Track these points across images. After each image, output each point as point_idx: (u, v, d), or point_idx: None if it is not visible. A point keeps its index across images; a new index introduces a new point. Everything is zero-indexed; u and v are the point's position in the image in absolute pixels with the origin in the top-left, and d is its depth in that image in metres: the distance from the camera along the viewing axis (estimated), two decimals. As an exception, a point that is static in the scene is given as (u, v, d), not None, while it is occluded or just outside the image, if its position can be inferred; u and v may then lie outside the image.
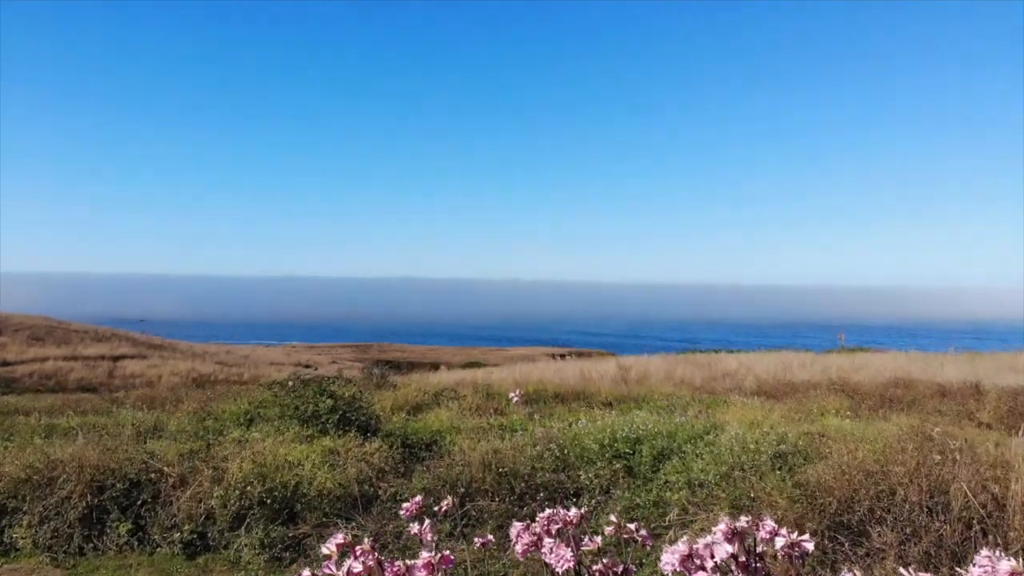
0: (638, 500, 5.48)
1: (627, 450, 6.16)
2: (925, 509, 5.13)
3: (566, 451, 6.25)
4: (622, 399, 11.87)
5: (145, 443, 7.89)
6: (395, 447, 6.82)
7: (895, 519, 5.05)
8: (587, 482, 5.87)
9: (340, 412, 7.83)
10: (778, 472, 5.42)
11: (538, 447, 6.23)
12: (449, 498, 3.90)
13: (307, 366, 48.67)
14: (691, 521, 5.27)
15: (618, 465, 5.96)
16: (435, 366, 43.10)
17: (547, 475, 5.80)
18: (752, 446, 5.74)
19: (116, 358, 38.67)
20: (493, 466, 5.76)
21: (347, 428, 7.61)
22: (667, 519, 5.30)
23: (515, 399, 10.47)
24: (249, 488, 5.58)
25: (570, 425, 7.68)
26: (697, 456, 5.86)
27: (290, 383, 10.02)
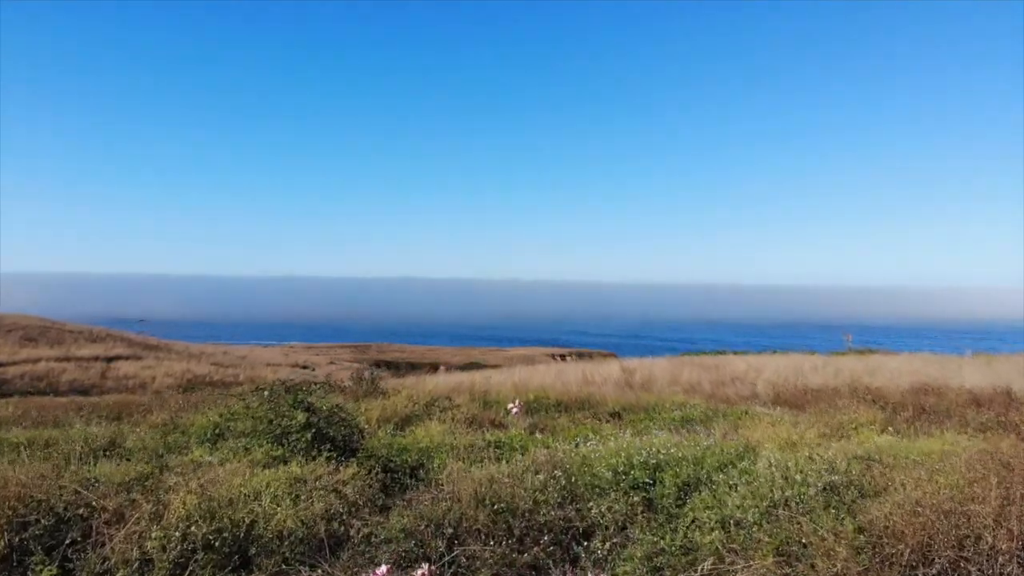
0: (662, 543, 4.52)
1: (646, 479, 5.20)
2: (1016, 560, 4.19)
3: (574, 479, 5.30)
4: (630, 408, 10.93)
5: (95, 464, 6.96)
6: (374, 472, 5.87)
7: (982, 573, 4.11)
8: (599, 518, 4.92)
9: (315, 428, 6.88)
10: (832, 511, 4.47)
11: (540, 475, 5.28)
12: (425, 566, 2.95)
13: (304, 367, 47.77)
14: (728, 572, 4.32)
15: (636, 498, 5.01)
16: (434, 367, 42.21)
17: (552, 511, 4.84)
18: (798, 477, 4.78)
19: (110, 359, 37.78)
20: (487, 500, 4.80)
21: (322, 447, 6.66)
22: (698, 569, 4.34)
23: (514, 411, 9.53)
24: (194, 528, 4.63)
25: (576, 445, 6.72)
26: (731, 488, 4.91)
27: (266, 392, 9.08)
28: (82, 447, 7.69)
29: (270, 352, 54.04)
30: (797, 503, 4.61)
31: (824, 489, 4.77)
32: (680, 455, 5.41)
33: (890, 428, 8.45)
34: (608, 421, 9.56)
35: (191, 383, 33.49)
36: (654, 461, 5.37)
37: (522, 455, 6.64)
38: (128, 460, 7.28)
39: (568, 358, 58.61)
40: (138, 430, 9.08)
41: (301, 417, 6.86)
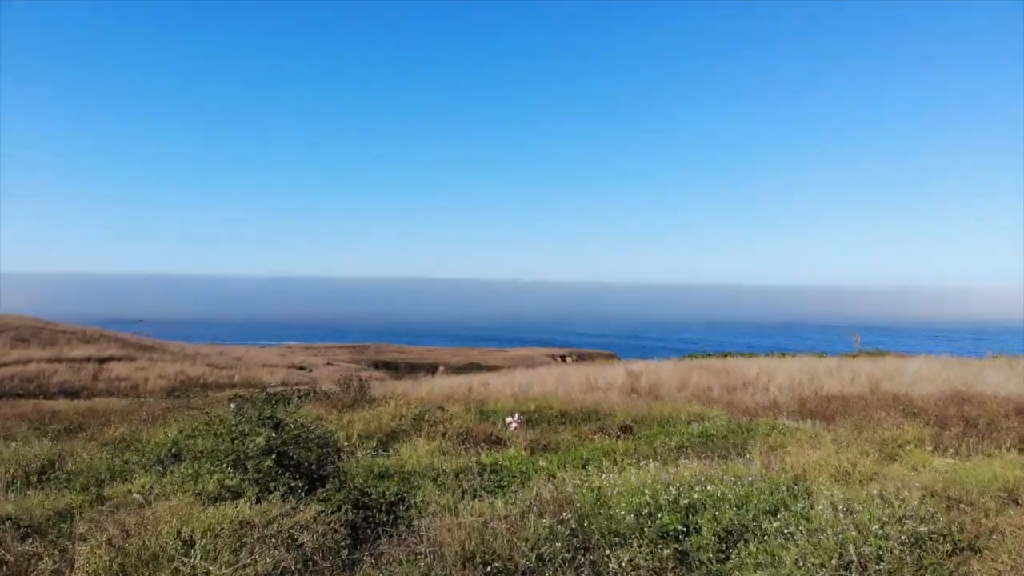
0: (703, 615, 3.50)
1: (678, 525, 4.17)
2: None
3: (586, 523, 4.27)
4: (641, 420, 9.90)
5: (23, 494, 5.94)
6: (344, 510, 4.83)
7: None
8: (619, 575, 3.89)
9: (277, 451, 5.84)
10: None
11: (545, 518, 4.25)
12: None
13: (301, 368, 46.76)
14: (793, 658, 3.30)
15: (666, 550, 3.98)
16: (433, 368, 41.18)
17: (560, 570, 3.81)
18: (875, 526, 3.75)
19: (103, 360, 36.79)
20: (478, 557, 3.78)
21: (285, 475, 5.63)
22: (754, 654, 3.32)
23: (513, 425, 8.49)
24: (101, 594, 3.61)
25: (585, 469, 5.69)
26: (787, 539, 3.88)
27: (232, 404, 8.09)
28: (15, 470, 6.69)
29: (267, 353, 53.13)
30: (876, 562, 3.59)
31: (908, 542, 3.75)
32: (719, 493, 4.38)
33: (940, 447, 7.44)
34: (618, 436, 8.54)
35: (184, 385, 32.48)
36: (686, 500, 4.34)
37: (522, 484, 5.63)
38: (65, 487, 6.28)
39: (568, 359, 57.63)
40: (89, 447, 8.06)
41: (260, 440, 5.82)
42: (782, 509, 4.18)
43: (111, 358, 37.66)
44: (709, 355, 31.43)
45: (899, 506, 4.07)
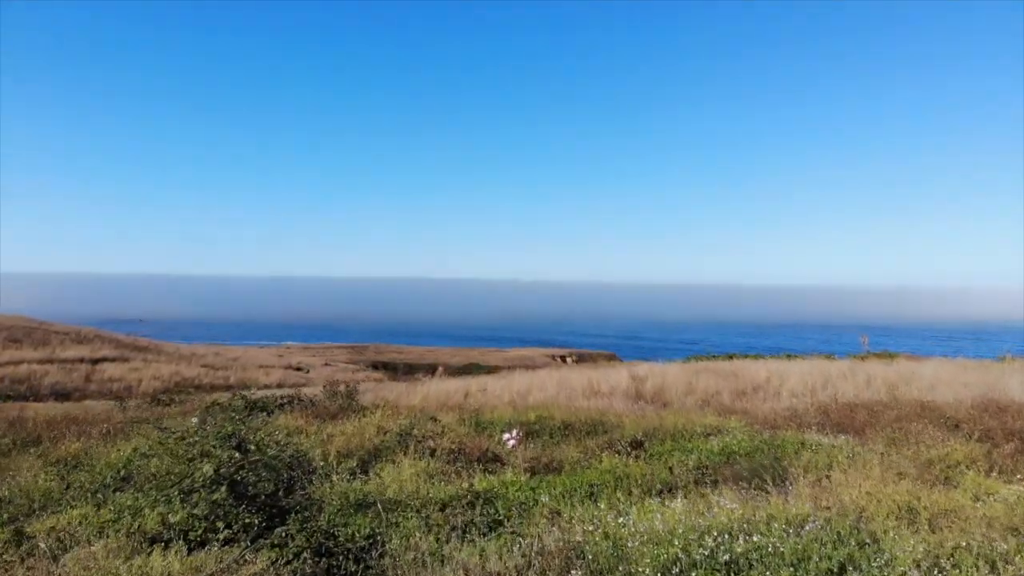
0: None
1: (719, 590, 3.28)
2: None
3: (601, 582, 3.38)
4: (652, 433, 9.01)
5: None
6: (302, 559, 3.95)
7: None
8: (645, 656, 3.00)
9: (231, 480, 4.93)
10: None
11: (550, 577, 3.35)
12: None
13: (299, 368, 45.93)
14: None
15: (705, 624, 3.09)
16: (432, 368, 40.28)
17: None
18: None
19: (96, 361, 36.03)
20: (462, 639, 2.89)
21: (240, 505, 4.74)
22: None
23: (511, 442, 7.61)
24: None
25: (596, 503, 4.79)
26: (863, 613, 2.98)
27: (194, 419, 7.20)
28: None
29: (265, 353, 52.37)
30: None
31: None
32: (769, 547, 3.47)
33: (995, 468, 6.54)
34: (628, 453, 7.66)
35: (179, 386, 31.65)
36: (726, 555, 3.44)
37: (521, 519, 4.74)
38: (-14, 519, 5.39)
39: (569, 360, 56.77)
40: (35, 466, 7.17)
41: (208, 468, 4.91)
42: (850, 568, 3.28)
43: (104, 359, 36.88)
44: (714, 357, 30.51)
45: (1001, 565, 3.18)
